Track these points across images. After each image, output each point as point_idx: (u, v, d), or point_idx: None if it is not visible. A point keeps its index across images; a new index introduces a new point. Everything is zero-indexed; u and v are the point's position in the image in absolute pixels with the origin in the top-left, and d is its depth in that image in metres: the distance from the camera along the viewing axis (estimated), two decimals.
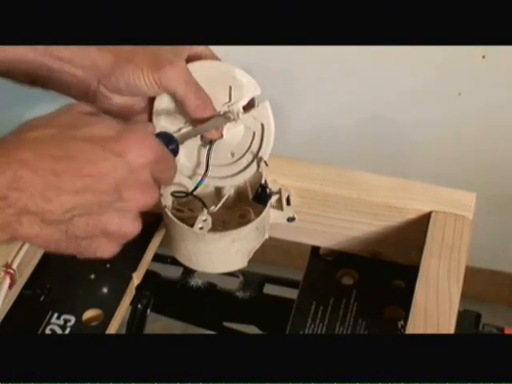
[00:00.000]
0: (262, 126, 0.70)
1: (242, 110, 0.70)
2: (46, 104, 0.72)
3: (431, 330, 0.64)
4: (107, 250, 0.57)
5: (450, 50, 1.10)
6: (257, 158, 0.71)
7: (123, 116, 0.69)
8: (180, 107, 0.69)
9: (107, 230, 0.56)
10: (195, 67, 0.68)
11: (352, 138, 1.30)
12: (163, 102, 0.70)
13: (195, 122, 0.69)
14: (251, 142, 0.71)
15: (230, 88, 0.69)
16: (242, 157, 0.72)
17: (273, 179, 0.75)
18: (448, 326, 0.64)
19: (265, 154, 0.71)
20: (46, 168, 0.52)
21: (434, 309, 0.65)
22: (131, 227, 0.57)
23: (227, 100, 0.70)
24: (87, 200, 0.53)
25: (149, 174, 0.57)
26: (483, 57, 1.12)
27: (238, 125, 0.70)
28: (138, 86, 0.66)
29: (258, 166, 0.71)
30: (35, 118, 0.56)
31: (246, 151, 0.72)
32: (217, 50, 0.70)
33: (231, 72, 0.69)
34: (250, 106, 0.70)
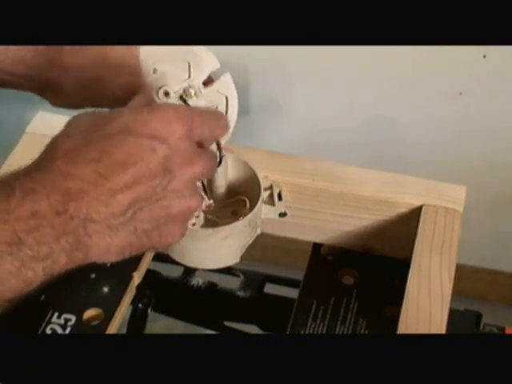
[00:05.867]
0: (226, 99, 0.69)
1: (202, 85, 0.69)
2: (46, 104, 0.72)
3: (424, 323, 0.64)
4: (176, 233, 0.57)
5: (451, 50, 1.10)
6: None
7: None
8: None
9: (171, 214, 0.55)
10: (153, 48, 0.68)
11: (351, 139, 1.30)
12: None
13: None
14: None
15: (189, 64, 0.69)
16: None
17: (264, 175, 0.75)
18: (440, 319, 0.65)
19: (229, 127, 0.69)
20: (90, 173, 0.51)
21: (427, 302, 0.66)
22: (192, 202, 0.56)
23: (187, 77, 0.69)
24: (142, 190, 0.52)
25: (190, 145, 0.55)
26: (484, 56, 1.12)
27: (199, 101, 0.68)
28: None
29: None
30: (52, 137, 0.54)
31: None
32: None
33: (190, 49, 0.68)
34: (207, 82, 0.69)
